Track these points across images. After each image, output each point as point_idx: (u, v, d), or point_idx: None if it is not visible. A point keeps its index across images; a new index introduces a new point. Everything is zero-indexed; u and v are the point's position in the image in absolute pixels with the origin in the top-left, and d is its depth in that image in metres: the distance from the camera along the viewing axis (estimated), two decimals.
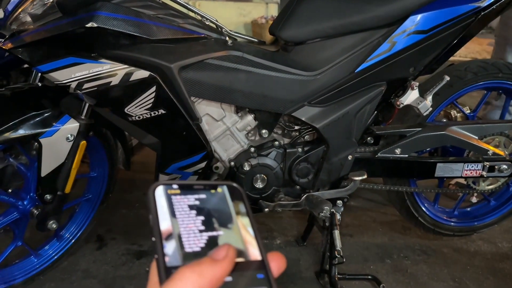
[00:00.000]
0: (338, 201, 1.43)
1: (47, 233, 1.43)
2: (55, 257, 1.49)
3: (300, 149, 1.38)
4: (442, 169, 1.47)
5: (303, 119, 1.32)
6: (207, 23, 1.29)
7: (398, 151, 1.42)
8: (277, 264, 0.33)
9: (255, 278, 0.31)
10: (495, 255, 1.71)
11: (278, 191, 1.40)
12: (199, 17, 1.29)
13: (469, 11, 1.30)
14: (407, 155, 1.43)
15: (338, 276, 1.43)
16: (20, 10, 1.15)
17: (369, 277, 1.51)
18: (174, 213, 0.32)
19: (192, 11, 1.28)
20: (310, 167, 1.39)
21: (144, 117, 1.20)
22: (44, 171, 1.25)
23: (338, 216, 1.42)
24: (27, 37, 1.13)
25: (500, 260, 1.69)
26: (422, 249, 1.73)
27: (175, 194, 0.34)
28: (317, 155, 1.38)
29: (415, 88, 1.36)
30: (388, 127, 1.46)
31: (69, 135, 1.24)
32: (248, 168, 1.34)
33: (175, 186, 0.34)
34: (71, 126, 1.24)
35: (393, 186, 1.52)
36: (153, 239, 0.31)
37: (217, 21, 1.30)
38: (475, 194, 1.71)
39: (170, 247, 0.31)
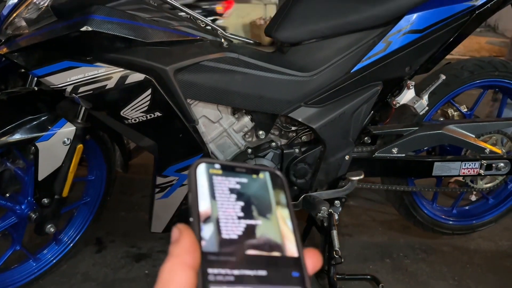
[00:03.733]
0: (336, 201, 1.43)
1: (45, 237, 1.43)
2: (54, 261, 1.49)
3: (297, 150, 1.38)
4: (440, 168, 1.47)
5: (299, 119, 1.32)
6: (202, 25, 1.29)
7: (395, 150, 1.42)
8: (312, 262, 0.31)
9: (290, 277, 0.29)
10: (494, 253, 1.71)
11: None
12: (194, 20, 1.29)
13: (464, 10, 1.30)
14: (404, 155, 1.43)
15: (337, 276, 1.43)
16: (15, 14, 1.15)
17: (368, 277, 1.51)
18: (214, 194, 0.30)
19: (187, 13, 1.29)
20: (307, 167, 1.39)
21: (140, 120, 1.20)
22: (41, 175, 1.26)
23: (336, 216, 1.42)
24: (22, 41, 1.13)
25: (500, 258, 1.69)
26: (422, 248, 1.73)
27: (217, 175, 0.31)
28: (314, 156, 1.38)
29: (411, 87, 1.36)
30: (385, 127, 1.46)
31: (65, 139, 1.24)
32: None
33: (217, 165, 0.32)
34: (68, 130, 1.24)
35: (391, 186, 1.52)
36: (191, 219, 0.29)
37: (212, 23, 1.30)
38: (474, 192, 1.70)
39: (207, 231, 0.29)
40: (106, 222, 1.76)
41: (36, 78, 1.29)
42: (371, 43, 1.30)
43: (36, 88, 1.30)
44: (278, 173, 0.34)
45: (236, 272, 0.28)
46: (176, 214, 1.39)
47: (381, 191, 1.98)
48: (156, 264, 1.56)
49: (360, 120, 1.37)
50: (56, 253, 1.50)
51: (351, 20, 1.28)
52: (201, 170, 0.31)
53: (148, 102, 1.18)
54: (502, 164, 1.49)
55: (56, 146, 1.24)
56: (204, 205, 0.30)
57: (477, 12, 1.31)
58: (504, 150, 1.54)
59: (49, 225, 1.32)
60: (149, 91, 1.16)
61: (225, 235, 0.29)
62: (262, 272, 0.28)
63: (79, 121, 1.26)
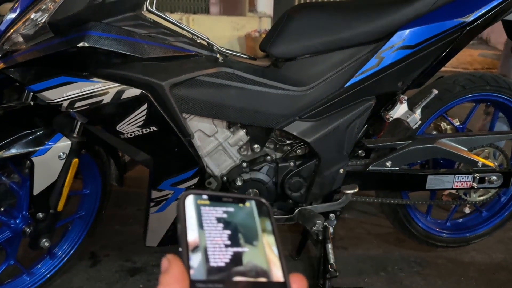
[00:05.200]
0: (330, 215, 1.44)
1: (39, 251, 1.42)
2: (48, 275, 1.48)
3: (292, 163, 1.39)
4: (433, 181, 1.48)
5: (294, 133, 1.33)
6: (198, 40, 1.30)
7: (389, 164, 1.43)
8: (298, 286, 0.32)
9: None
10: (488, 266, 1.72)
11: (271, 205, 1.41)
12: (190, 35, 1.31)
13: (455, 26, 1.32)
14: (398, 168, 1.45)
15: None
16: (12, 30, 1.16)
17: None
18: (202, 224, 0.32)
19: (183, 29, 1.30)
20: (302, 181, 1.40)
21: (136, 135, 1.21)
22: (37, 190, 1.25)
23: (331, 230, 1.43)
24: (19, 57, 1.14)
25: (494, 270, 1.69)
26: (417, 261, 1.74)
27: (204, 205, 0.33)
28: (309, 169, 1.39)
29: (404, 101, 1.38)
30: (378, 140, 1.48)
31: (61, 153, 1.25)
32: (240, 183, 1.35)
33: (205, 196, 0.34)
34: (63, 144, 1.25)
35: (385, 199, 1.53)
36: (180, 249, 0.31)
37: (208, 38, 1.31)
38: (468, 205, 1.72)
39: (196, 260, 0.30)
40: (100, 236, 1.75)
41: (32, 93, 1.29)
42: (364, 59, 1.32)
43: (32, 103, 1.30)
44: (264, 201, 0.36)
45: None
46: (171, 228, 1.39)
47: (375, 204, 1.99)
48: (150, 279, 1.56)
49: (354, 134, 1.38)
50: (50, 267, 1.49)
51: (344, 36, 1.31)
52: (189, 202, 0.33)
53: (144, 116, 1.18)
54: (494, 177, 1.51)
55: (51, 160, 1.24)
56: (192, 235, 0.31)
57: (468, 28, 1.34)
58: (496, 163, 1.56)
59: (44, 240, 1.31)
60: (145, 106, 1.17)
61: (212, 263, 0.30)
62: None
63: (74, 135, 1.26)
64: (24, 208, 1.30)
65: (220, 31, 6.56)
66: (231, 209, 0.34)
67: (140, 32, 1.17)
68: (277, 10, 7.37)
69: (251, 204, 0.35)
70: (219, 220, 0.33)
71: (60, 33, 1.11)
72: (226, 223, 0.33)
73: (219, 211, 0.33)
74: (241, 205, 0.34)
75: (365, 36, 1.31)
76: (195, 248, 0.31)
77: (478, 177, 1.49)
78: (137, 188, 2.11)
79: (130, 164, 1.62)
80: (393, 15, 1.30)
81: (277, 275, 0.32)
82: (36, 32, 1.13)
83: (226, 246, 0.32)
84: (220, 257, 0.31)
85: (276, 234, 0.34)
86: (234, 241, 0.32)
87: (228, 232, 0.32)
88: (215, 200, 0.34)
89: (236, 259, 0.31)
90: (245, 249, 0.32)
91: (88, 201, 1.53)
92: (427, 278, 1.63)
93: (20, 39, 1.16)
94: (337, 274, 1.38)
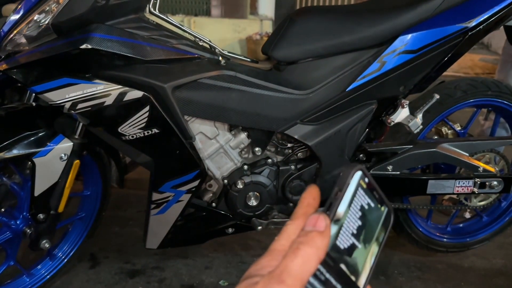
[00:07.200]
0: None
1: (39, 252, 1.42)
2: (48, 276, 1.47)
3: (293, 167, 1.39)
4: (434, 186, 1.48)
5: (296, 137, 1.33)
6: (200, 43, 1.31)
7: (390, 168, 1.43)
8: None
9: None
10: (488, 271, 1.72)
11: (272, 208, 1.41)
12: (192, 38, 1.31)
13: (457, 31, 1.33)
14: (399, 172, 1.45)
15: None
16: (15, 31, 1.17)
17: None
18: (351, 204, 0.33)
19: (186, 31, 1.30)
20: (303, 184, 1.40)
21: (138, 137, 1.21)
22: (38, 191, 1.26)
23: None
24: (22, 58, 1.14)
25: (494, 276, 1.69)
26: (417, 265, 1.74)
27: (362, 188, 0.34)
28: (310, 173, 1.39)
29: (405, 106, 1.38)
30: (379, 145, 1.48)
31: (62, 155, 1.25)
32: (241, 186, 1.35)
33: (367, 180, 0.34)
34: (65, 146, 1.25)
35: None
36: (328, 212, 0.32)
37: (210, 41, 1.32)
38: (468, 210, 1.72)
39: (331, 231, 0.32)
40: (100, 238, 1.75)
41: (33, 94, 1.30)
42: (366, 63, 1.33)
43: (34, 104, 1.31)
44: (392, 216, 0.37)
45: (327, 275, 0.31)
46: (171, 230, 1.39)
47: None
48: (150, 281, 1.56)
49: (355, 138, 1.38)
50: (50, 268, 1.48)
51: (346, 40, 1.31)
52: (356, 177, 0.34)
53: (146, 119, 1.19)
54: (495, 183, 1.51)
55: (53, 161, 1.24)
56: (342, 208, 0.32)
57: (470, 33, 1.34)
58: (497, 169, 1.56)
59: (44, 241, 1.31)
60: (147, 108, 1.17)
61: (337, 242, 0.32)
62: (339, 286, 0.31)
63: (76, 137, 1.26)
64: (25, 209, 1.30)
65: (221, 34, 6.57)
66: (372, 205, 0.35)
67: (142, 34, 1.17)
68: (278, 13, 7.39)
69: (384, 210, 0.36)
70: (361, 208, 0.34)
71: (63, 34, 1.12)
72: (363, 215, 0.34)
73: (365, 201, 0.34)
74: (379, 206, 0.36)
75: (367, 40, 1.31)
76: (337, 221, 0.32)
77: (479, 182, 1.49)
78: (137, 190, 2.11)
79: (130, 165, 1.62)
80: (395, 20, 1.31)
81: (361, 281, 0.33)
82: (39, 34, 1.14)
83: (352, 234, 0.33)
84: (344, 240, 0.32)
85: (381, 247, 0.35)
86: (358, 234, 0.33)
87: (360, 223, 0.33)
88: (370, 189, 0.35)
89: (351, 249, 0.33)
90: (359, 245, 0.33)
91: (89, 203, 1.53)
92: (427, 282, 1.63)
93: (23, 40, 1.16)
94: None
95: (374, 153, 1.47)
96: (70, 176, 1.27)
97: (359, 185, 0.34)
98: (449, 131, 1.61)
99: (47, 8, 1.12)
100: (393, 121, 1.39)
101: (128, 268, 1.63)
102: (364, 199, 0.34)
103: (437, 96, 1.41)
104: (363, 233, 0.34)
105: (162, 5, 1.24)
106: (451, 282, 1.64)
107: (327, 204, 0.33)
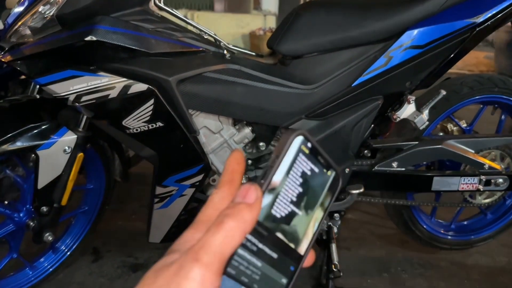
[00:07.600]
0: (335, 214, 1.43)
1: (42, 245, 1.42)
2: (51, 269, 1.48)
3: None
4: (439, 183, 1.47)
5: None
6: (205, 36, 1.30)
7: (395, 164, 1.42)
8: (307, 259, 0.34)
9: (288, 268, 0.32)
10: (492, 269, 1.71)
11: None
12: (197, 31, 1.30)
13: (465, 27, 1.31)
14: (404, 169, 1.44)
15: None
16: (20, 23, 1.16)
17: None
18: (290, 172, 0.32)
19: (191, 24, 1.30)
20: None
21: (142, 130, 1.20)
22: (41, 183, 1.25)
23: (335, 230, 1.42)
24: (26, 50, 1.13)
25: (498, 274, 1.68)
26: (420, 262, 1.73)
27: (304, 153, 0.32)
28: None
29: (411, 102, 1.37)
30: (385, 141, 1.47)
31: (66, 147, 1.24)
32: (245, 181, 1.34)
33: (309, 145, 0.33)
34: (69, 139, 1.24)
35: (390, 199, 1.53)
36: (262, 181, 0.31)
37: (215, 34, 1.31)
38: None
39: (265, 201, 0.31)
40: (103, 231, 1.75)
41: (38, 86, 1.29)
42: (373, 58, 1.31)
43: (38, 96, 1.30)
44: (340, 179, 0.35)
45: (260, 245, 0.30)
46: (174, 224, 1.38)
47: (379, 205, 1.98)
48: None
49: (361, 134, 1.37)
50: (53, 261, 1.49)
51: (353, 34, 1.30)
52: (296, 142, 0.32)
53: (150, 112, 1.18)
54: (501, 180, 1.50)
55: (56, 154, 1.23)
56: (278, 177, 0.31)
57: (477, 29, 1.32)
58: (503, 166, 1.55)
59: (47, 234, 1.31)
60: (151, 101, 1.17)
61: (273, 211, 0.31)
62: (275, 255, 0.31)
63: (80, 130, 1.25)
64: (28, 202, 1.30)
65: (225, 29, 6.56)
66: (316, 170, 0.33)
67: (147, 27, 1.16)
68: (282, 8, 7.36)
69: (331, 175, 0.34)
70: (302, 175, 0.32)
71: (68, 26, 1.11)
72: (304, 181, 0.33)
73: (308, 167, 0.33)
74: (325, 170, 0.34)
75: (374, 35, 1.30)
76: (272, 190, 0.31)
77: (484, 180, 1.48)
78: (140, 184, 2.11)
79: (134, 159, 1.62)
80: (402, 14, 1.29)
81: (303, 247, 0.32)
82: (44, 25, 1.13)
83: (291, 202, 0.32)
84: (281, 209, 0.31)
85: (326, 212, 0.34)
86: (298, 201, 0.32)
87: (300, 190, 0.32)
88: (313, 154, 0.33)
89: (289, 217, 0.32)
90: (300, 212, 0.32)
91: (92, 196, 1.53)
92: (430, 280, 1.63)
93: (28, 32, 1.15)
94: (341, 274, 1.38)
95: (379, 149, 1.46)
96: (73, 169, 1.26)
97: (299, 150, 0.32)
98: (455, 128, 1.60)
99: (52, 0, 1.12)
100: (399, 117, 1.38)
101: (131, 262, 1.63)
102: (306, 165, 0.33)
103: (443, 92, 1.40)
104: (304, 199, 0.33)
105: (166, 0, 1.23)
106: (454, 279, 1.64)
107: (262, 172, 0.32)
